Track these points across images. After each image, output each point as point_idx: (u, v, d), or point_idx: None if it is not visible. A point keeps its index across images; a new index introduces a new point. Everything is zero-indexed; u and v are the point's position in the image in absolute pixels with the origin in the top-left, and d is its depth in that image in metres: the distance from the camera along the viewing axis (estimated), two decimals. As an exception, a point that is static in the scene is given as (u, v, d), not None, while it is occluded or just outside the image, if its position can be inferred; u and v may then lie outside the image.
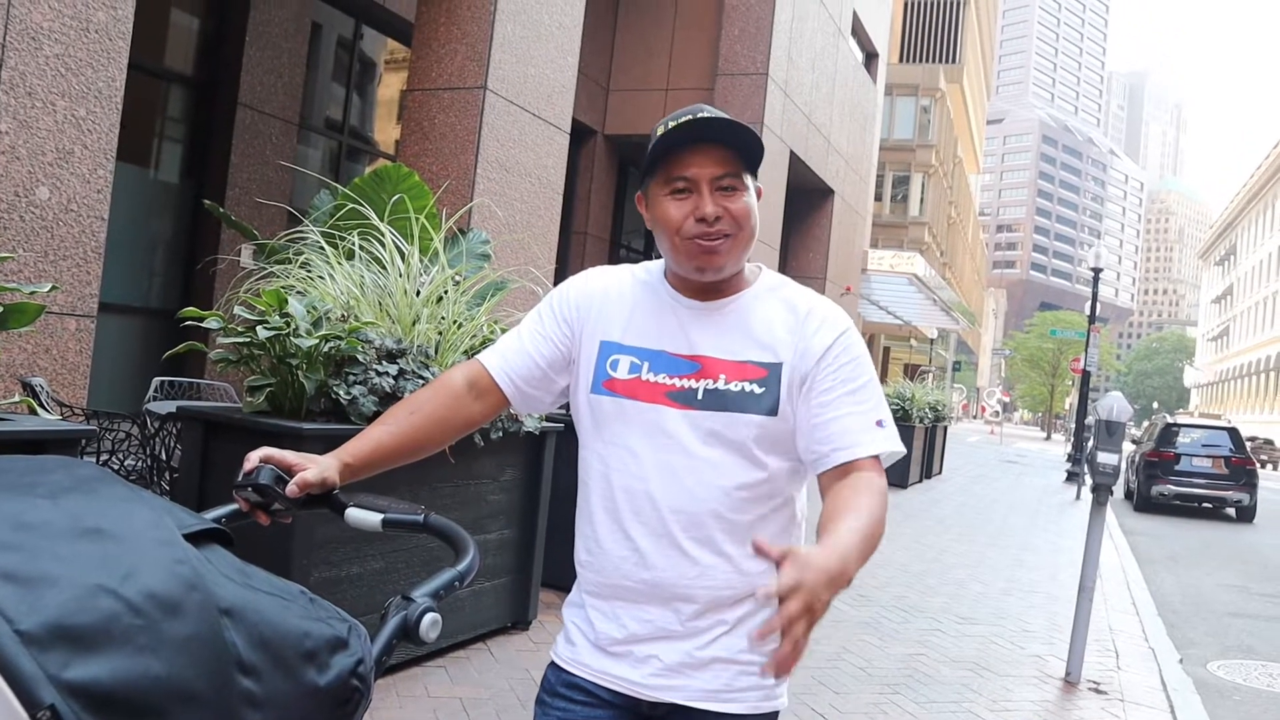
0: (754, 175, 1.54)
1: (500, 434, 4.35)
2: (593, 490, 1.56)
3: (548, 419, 4.74)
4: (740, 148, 1.49)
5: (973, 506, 13.38)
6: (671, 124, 1.48)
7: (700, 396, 1.49)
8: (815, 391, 1.49)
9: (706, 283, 1.55)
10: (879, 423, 1.48)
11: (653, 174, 1.52)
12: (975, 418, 74.75)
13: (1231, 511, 16.56)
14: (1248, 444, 17.61)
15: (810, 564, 1.15)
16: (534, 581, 4.85)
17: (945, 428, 18.94)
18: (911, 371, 40.19)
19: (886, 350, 41.05)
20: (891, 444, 1.48)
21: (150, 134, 7.63)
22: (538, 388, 1.61)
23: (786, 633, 1.09)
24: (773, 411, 1.48)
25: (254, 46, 7.90)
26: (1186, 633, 7.03)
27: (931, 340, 41.18)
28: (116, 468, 4.36)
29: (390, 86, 10.26)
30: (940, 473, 18.09)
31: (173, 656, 0.82)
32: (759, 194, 1.56)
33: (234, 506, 1.38)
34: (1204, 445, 16.54)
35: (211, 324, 3.63)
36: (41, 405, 3.56)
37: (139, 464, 4.52)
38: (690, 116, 1.48)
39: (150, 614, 0.82)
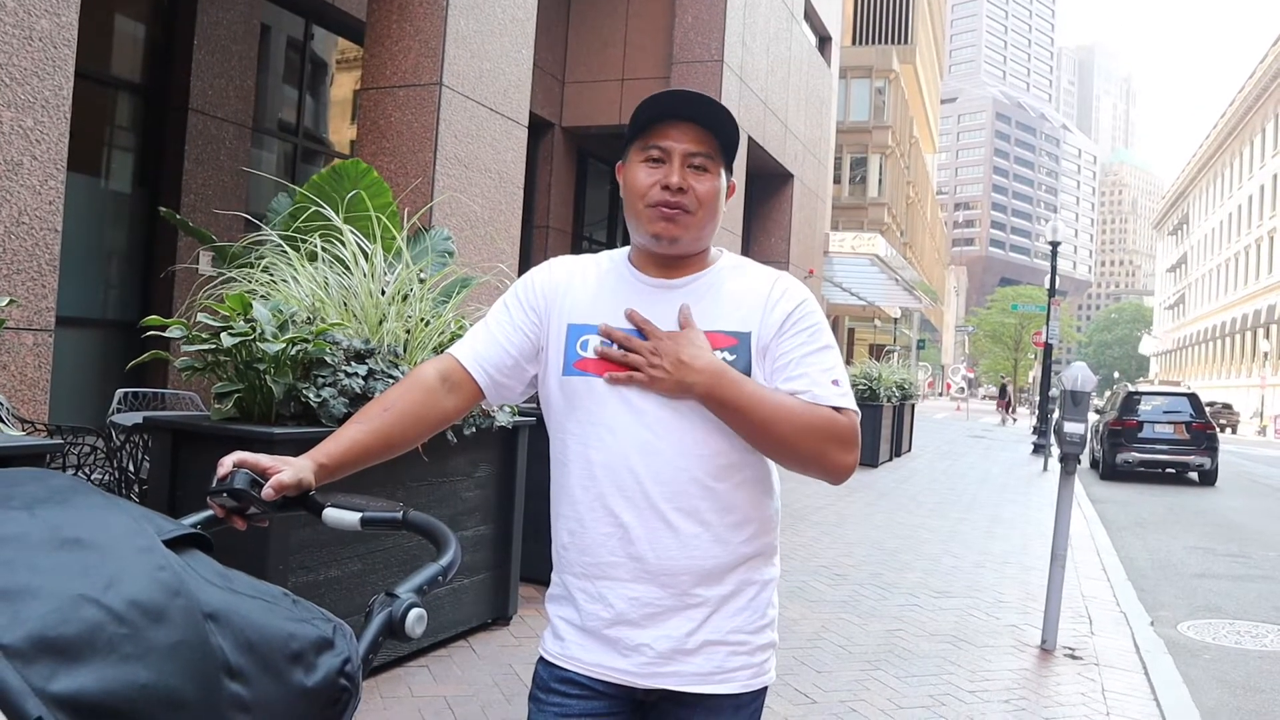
0: (728, 167, 1.57)
1: (473, 430, 4.33)
2: (571, 471, 1.56)
3: (520, 413, 4.73)
4: (719, 133, 1.53)
5: (943, 482, 13.51)
6: (659, 94, 1.52)
7: None
8: (776, 355, 1.52)
9: (668, 258, 1.57)
10: (834, 381, 1.51)
11: (633, 141, 1.55)
12: (941, 395, 75.34)
13: (1194, 476, 16.84)
14: (1207, 409, 17.90)
15: (675, 337, 1.48)
16: (513, 576, 4.84)
17: (913, 406, 19.12)
18: (877, 351, 40.47)
19: (851, 331, 41.32)
20: (847, 402, 1.51)
21: (101, 143, 7.50)
22: (510, 377, 1.61)
23: (628, 346, 1.48)
24: (745, 376, 1.50)
25: (203, 50, 7.79)
26: (1156, 596, 7.14)
27: (895, 320, 41.49)
28: (83, 482, 4.29)
29: (343, 86, 10.16)
30: (909, 450, 18.25)
31: (159, 664, 0.80)
32: (731, 189, 1.59)
33: (209, 513, 1.36)
34: (1165, 412, 16.80)
35: (174, 332, 3.58)
36: (2, 422, 3.50)
37: (105, 477, 4.45)
38: (680, 90, 1.52)
39: (134, 622, 0.80)
